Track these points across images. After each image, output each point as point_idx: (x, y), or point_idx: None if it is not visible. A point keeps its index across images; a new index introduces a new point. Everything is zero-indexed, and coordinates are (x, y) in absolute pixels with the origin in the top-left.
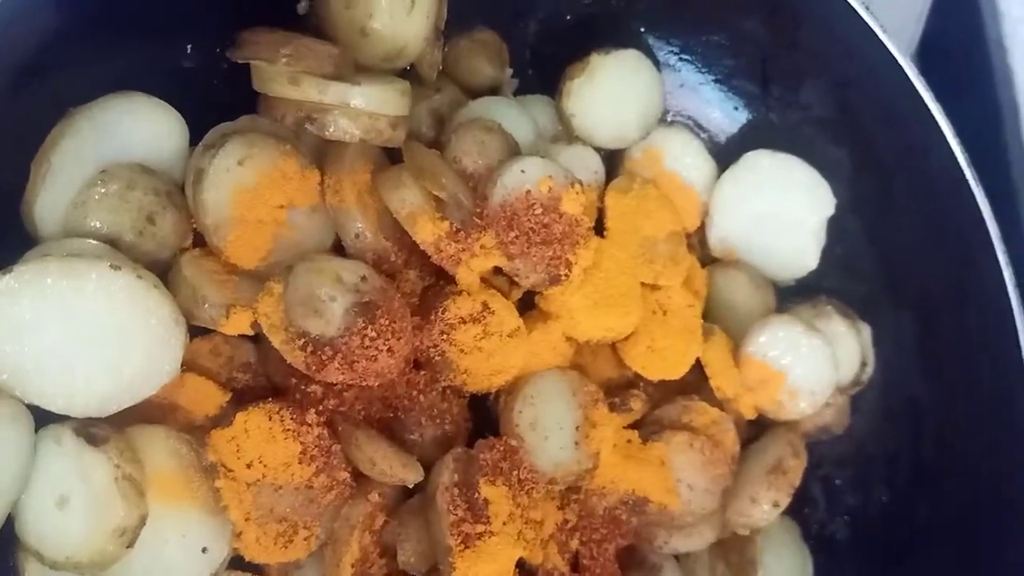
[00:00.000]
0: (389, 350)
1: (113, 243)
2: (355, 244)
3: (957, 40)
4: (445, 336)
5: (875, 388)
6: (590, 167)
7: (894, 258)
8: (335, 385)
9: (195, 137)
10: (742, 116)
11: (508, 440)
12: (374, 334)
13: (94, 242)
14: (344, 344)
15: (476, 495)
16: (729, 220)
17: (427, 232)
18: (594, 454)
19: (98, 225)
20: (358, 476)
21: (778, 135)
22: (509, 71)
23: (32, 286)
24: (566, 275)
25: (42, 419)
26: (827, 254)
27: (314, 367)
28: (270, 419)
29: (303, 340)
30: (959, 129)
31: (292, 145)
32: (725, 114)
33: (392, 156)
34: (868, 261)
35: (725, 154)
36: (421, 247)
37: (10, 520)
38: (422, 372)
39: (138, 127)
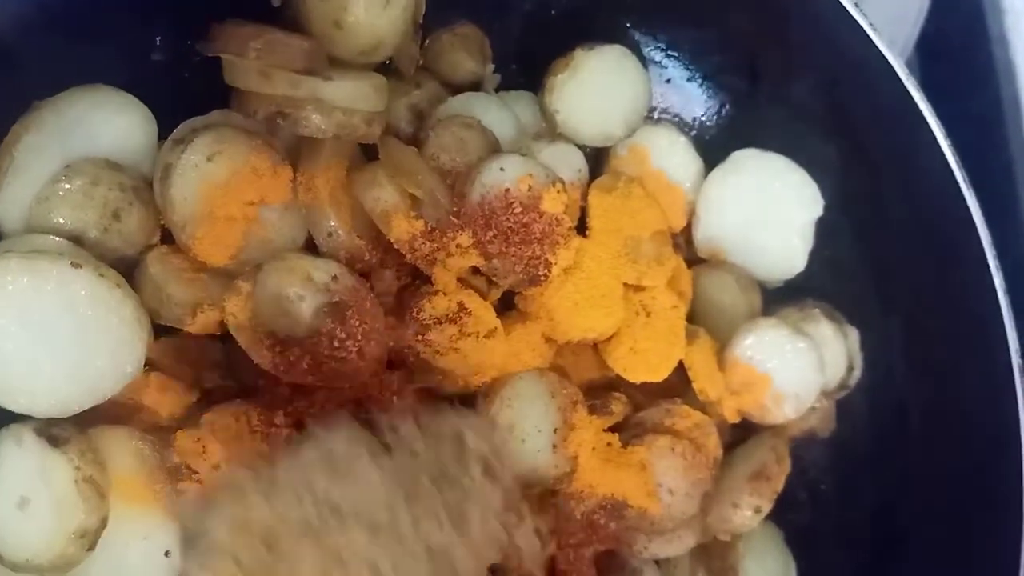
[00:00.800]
0: (359, 352)
1: (78, 240)
2: (328, 242)
3: (958, 35)
4: (420, 337)
5: (862, 391)
6: (574, 165)
7: (883, 260)
8: (305, 386)
9: (165, 132)
10: (730, 114)
11: None
12: (344, 335)
13: (56, 239)
14: (313, 345)
15: None
16: (716, 220)
17: (401, 231)
18: (572, 457)
19: (62, 221)
20: None
21: (766, 134)
22: (491, 66)
23: None
24: (545, 275)
25: (3, 419)
26: (815, 255)
27: (282, 368)
28: (237, 420)
29: (271, 340)
30: (959, 125)
31: (264, 141)
32: (712, 112)
33: (369, 152)
34: (857, 262)
35: (712, 153)
36: (395, 246)
37: None
38: (396, 373)
39: (105, 121)
